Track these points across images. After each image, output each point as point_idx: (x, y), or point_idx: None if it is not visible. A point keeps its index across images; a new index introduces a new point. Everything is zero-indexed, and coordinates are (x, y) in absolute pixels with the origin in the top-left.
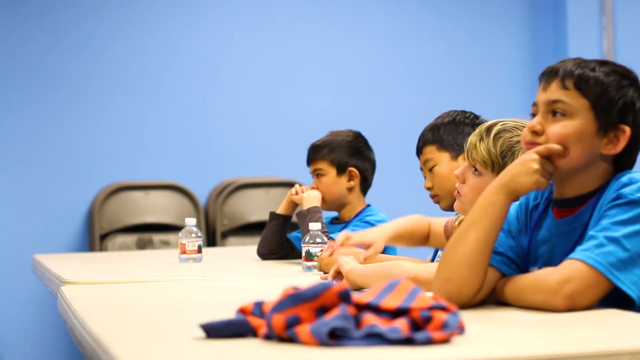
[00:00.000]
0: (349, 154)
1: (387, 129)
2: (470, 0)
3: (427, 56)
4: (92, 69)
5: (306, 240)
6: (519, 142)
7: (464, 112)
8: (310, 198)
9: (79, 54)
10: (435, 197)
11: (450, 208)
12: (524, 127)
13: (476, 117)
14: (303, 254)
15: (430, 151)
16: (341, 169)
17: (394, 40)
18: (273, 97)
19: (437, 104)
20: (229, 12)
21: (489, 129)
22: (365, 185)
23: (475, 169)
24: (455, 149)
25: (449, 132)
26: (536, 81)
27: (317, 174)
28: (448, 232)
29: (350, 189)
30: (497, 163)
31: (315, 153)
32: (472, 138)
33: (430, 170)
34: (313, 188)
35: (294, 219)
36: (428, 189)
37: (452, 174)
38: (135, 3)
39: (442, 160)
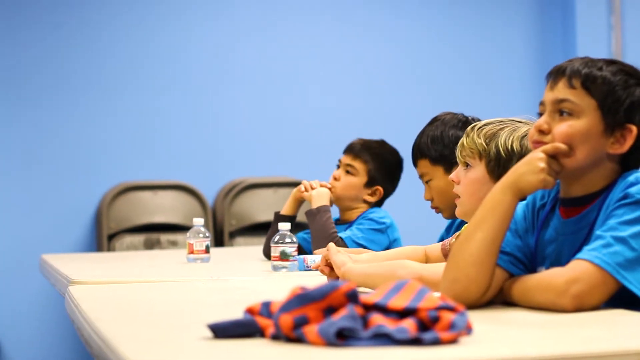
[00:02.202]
0: (385, 175)
1: (395, 128)
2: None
3: (435, 55)
4: (100, 68)
5: (276, 240)
6: (501, 129)
7: (455, 115)
8: (320, 196)
9: (86, 53)
10: (437, 209)
11: (453, 217)
12: (511, 121)
13: (465, 122)
14: (277, 254)
15: (425, 165)
16: (371, 183)
17: (402, 41)
18: (281, 96)
19: (445, 104)
20: (237, 12)
21: (473, 127)
22: (379, 202)
23: (467, 165)
24: (448, 163)
25: (439, 145)
26: (545, 80)
27: (347, 169)
28: (446, 251)
29: (365, 201)
30: (484, 149)
31: (360, 152)
32: (460, 140)
33: (427, 182)
34: (323, 185)
35: (299, 218)
36: (428, 200)
37: (449, 187)
38: (143, 2)
39: (436, 174)
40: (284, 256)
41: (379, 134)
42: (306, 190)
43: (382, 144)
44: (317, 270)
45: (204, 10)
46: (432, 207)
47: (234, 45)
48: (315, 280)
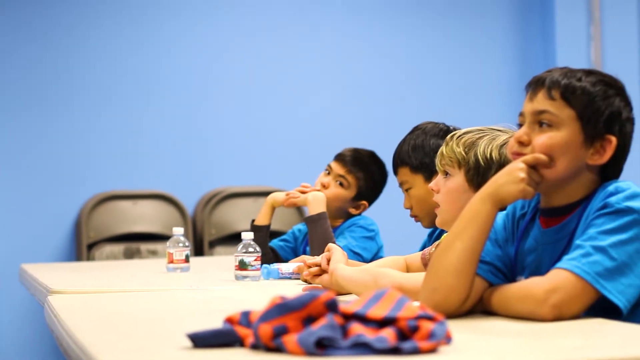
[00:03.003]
0: (372, 191)
1: (377, 138)
2: (460, 10)
3: (417, 65)
4: (81, 77)
5: (239, 250)
6: (480, 138)
7: (436, 124)
8: (317, 202)
9: (68, 62)
10: (416, 217)
11: (432, 226)
12: (491, 129)
13: (447, 130)
14: (236, 263)
15: (405, 173)
16: (358, 197)
17: (385, 51)
18: (261, 106)
19: (427, 113)
20: (219, 22)
21: (452, 136)
22: (360, 212)
23: (446, 174)
24: (428, 171)
25: (419, 153)
26: (524, 91)
27: (339, 181)
28: (426, 260)
29: (348, 213)
30: (463, 158)
31: (354, 166)
32: (440, 149)
33: (407, 191)
34: (319, 189)
35: (268, 227)
36: (407, 208)
37: (428, 196)
38: (126, 12)
39: (416, 182)
40: (242, 265)
41: (360, 143)
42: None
43: (372, 156)
44: (298, 274)
45: (186, 21)
46: (412, 216)
47: (215, 56)
48: (295, 289)
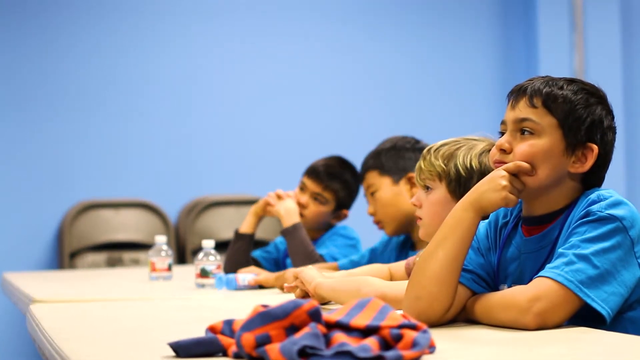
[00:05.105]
0: (350, 197)
1: (357, 147)
2: (443, 17)
3: (400, 73)
4: (63, 85)
5: (199, 258)
6: (458, 148)
7: (405, 137)
8: (289, 214)
9: (50, 69)
10: (379, 224)
11: (395, 233)
12: (466, 140)
13: (417, 142)
14: (197, 271)
15: (372, 176)
16: (339, 208)
17: (367, 58)
18: (244, 115)
19: (409, 122)
20: (202, 32)
21: (429, 149)
22: (341, 220)
23: (427, 188)
24: (396, 174)
25: (389, 157)
26: (506, 99)
27: (316, 198)
28: (409, 269)
29: (329, 223)
30: (443, 170)
31: (329, 181)
32: (418, 163)
33: (373, 195)
34: (287, 195)
35: (252, 236)
36: (371, 214)
37: (394, 199)
38: (109, 20)
39: (383, 185)
40: (203, 273)
41: (341, 151)
42: (272, 204)
43: (342, 164)
44: (254, 286)
45: (169, 30)
46: (375, 222)
47: (198, 65)
48: (278, 298)
